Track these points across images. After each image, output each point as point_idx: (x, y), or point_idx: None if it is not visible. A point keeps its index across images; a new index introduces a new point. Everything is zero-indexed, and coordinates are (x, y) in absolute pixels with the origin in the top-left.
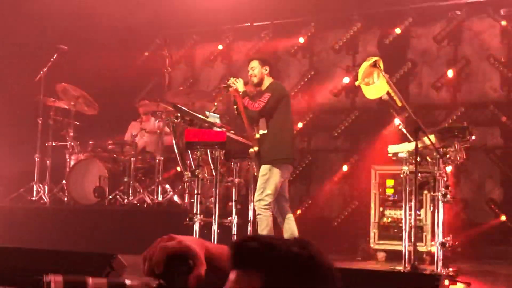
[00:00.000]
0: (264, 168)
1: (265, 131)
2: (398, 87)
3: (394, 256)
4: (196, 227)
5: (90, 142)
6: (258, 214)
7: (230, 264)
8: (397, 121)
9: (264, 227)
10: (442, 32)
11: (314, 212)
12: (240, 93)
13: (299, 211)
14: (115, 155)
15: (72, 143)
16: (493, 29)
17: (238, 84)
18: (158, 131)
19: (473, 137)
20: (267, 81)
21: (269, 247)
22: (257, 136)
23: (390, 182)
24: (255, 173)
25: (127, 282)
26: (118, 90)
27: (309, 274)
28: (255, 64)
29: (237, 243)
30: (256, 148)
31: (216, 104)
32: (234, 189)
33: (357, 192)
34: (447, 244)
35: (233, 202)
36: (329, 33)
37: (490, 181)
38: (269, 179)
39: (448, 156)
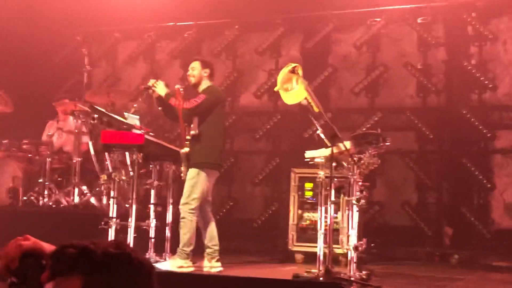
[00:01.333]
0: (192, 171)
1: (196, 132)
2: (319, 91)
3: (312, 258)
4: (111, 231)
5: (4, 141)
6: (183, 218)
7: (50, 274)
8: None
9: (187, 231)
10: (362, 38)
11: (235, 213)
12: (163, 96)
13: (220, 213)
14: (30, 155)
15: None
16: (410, 36)
17: (158, 88)
18: (76, 131)
19: (387, 143)
20: (205, 83)
21: (86, 251)
22: (188, 137)
23: (309, 185)
24: (182, 175)
25: None
26: (36, 88)
27: (126, 270)
28: (195, 64)
29: (54, 251)
30: (187, 149)
31: (135, 105)
32: (153, 192)
33: (277, 194)
34: (360, 248)
35: (151, 205)
36: (253, 36)
37: (405, 184)
38: (196, 183)
39: (362, 162)
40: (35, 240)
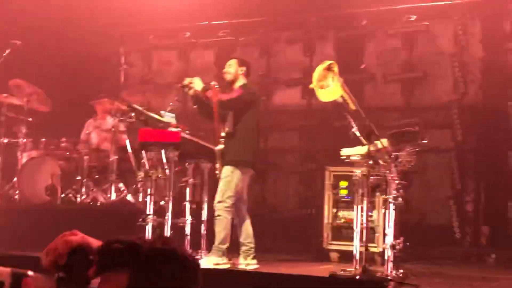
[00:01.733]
0: (227, 169)
1: (231, 130)
2: (354, 89)
3: (347, 256)
4: (148, 228)
5: (43, 140)
6: (218, 216)
7: (97, 268)
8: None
9: (222, 229)
10: (397, 35)
11: (270, 212)
12: (200, 91)
13: (254, 211)
14: (68, 153)
15: (25, 140)
16: (446, 32)
17: (196, 84)
18: (113, 129)
19: (425, 141)
20: (241, 81)
21: (133, 246)
22: (223, 134)
23: (344, 183)
24: (216, 172)
25: (30, 273)
26: (73, 87)
27: (172, 265)
28: (232, 62)
29: (102, 246)
30: (221, 146)
31: (171, 103)
32: (188, 190)
33: (311, 192)
34: (397, 246)
35: (187, 202)
36: (287, 34)
37: (442, 183)
38: (231, 181)
39: (399, 160)
40: (82, 235)
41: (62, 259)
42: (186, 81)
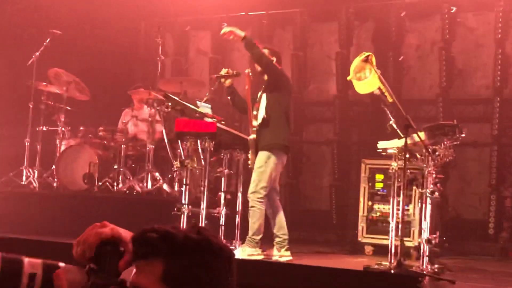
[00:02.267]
0: (261, 156)
1: (265, 116)
2: (391, 81)
3: (381, 250)
4: (183, 217)
5: (81, 128)
6: (252, 207)
7: (133, 256)
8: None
9: (256, 220)
10: (436, 27)
11: (304, 203)
12: (242, 38)
13: (289, 203)
14: (105, 142)
15: (63, 129)
16: (486, 25)
17: (237, 31)
18: (150, 119)
19: (463, 135)
20: None
21: (168, 235)
22: (255, 123)
23: (379, 177)
24: (249, 162)
25: (61, 264)
26: (111, 77)
27: (207, 255)
28: (264, 51)
29: (137, 235)
30: (254, 136)
31: (207, 94)
32: (223, 180)
33: (346, 185)
34: (433, 241)
35: (222, 193)
36: (324, 25)
37: (480, 177)
38: (264, 172)
39: (437, 153)
40: (113, 227)
41: (91, 251)
42: (223, 71)
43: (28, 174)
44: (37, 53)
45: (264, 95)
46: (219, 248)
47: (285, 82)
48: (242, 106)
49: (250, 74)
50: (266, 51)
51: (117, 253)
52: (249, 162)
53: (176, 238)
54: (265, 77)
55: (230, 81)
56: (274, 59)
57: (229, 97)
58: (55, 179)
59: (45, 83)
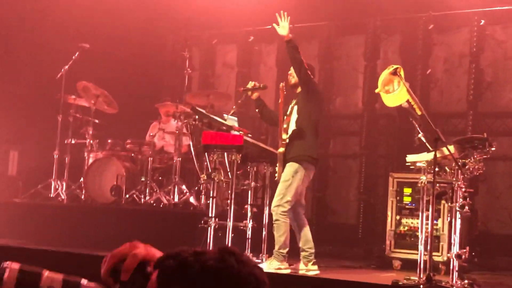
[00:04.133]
0: (288, 171)
1: (296, 128)
2: (419, 94)
3: (409, 264)
4: (210, 230)
5: (109, 141)
6: (276, 220)
7: (155, 283)
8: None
9: (282, 234)
10: (464, 39)
11: (330, 217)
12: (287, 38)
13: (315, 217)
14: (133, 155)
15: (91, 141)
16: None
17: (287, 30)
18: (177, 132)
19: (493, 148)
20: None
21: (184, 264)
22: (285, 136)
23: (408, 190)
24: (276, 175)
25: (83, 282)
26: (138, 90)
27: (227, 284)
28: None
29: (158, 260)
30: (283, 149)
31: (234, 107)
32: (250, 193)
33: (374, 199)
34: (463, 256)
35: (249, 206)
36: (350, 38)
37: (509, 191)
38: (290, 185)
39: (467, 167)
40: (145, 246)
41: (127, 275)
42: (249, 84)
43: (57, 186)
44: (66, 67)
45: (295, 108)
46: (240, 279)
47: (318, 95)
48: (270, 118)
49: (284, 88)
50: None
51: (144, 274)
52: (276, 175)
53: (192, 268)
54: (298, 89)
55: (257, 94)
56: (309, 72)
57: (257, 110)
58: (83, 192)
59: (74, 96)
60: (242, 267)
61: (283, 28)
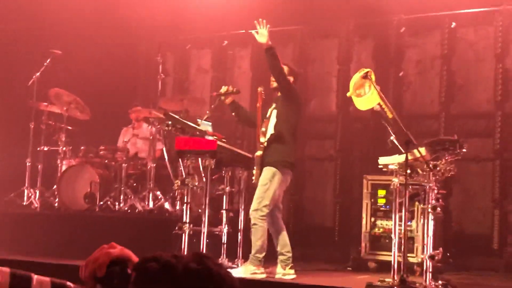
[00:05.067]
0: (266, 173)
1: (274, 132)
2: (392, 96)
3: (385, 266)
4: (185, 236)
5: (82, 148)
6: (254, 224)
7: (134, 285)
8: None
9: (259, 238)
10: (436, 42)
11: (306, 220)
12: (267, 45)
13: (291, 220)
14: (106, 161)
15: (64, 148)
16: (486, 40)
17: (266, 38)
18: (151, 137)
19: (464, 150)
20: None
21: (167, 266)
22: (263, 140)
23: (382, 192)
24: (253, 178)
25: (69, 284)
26: (111, 96)
27: (206, 286)
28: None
29: (138, 264)
30: (260, 152)
31: (208, 112)
32: (225, 198)
33: (349, 201)
34: (436, 257)
35: (224, 211)
36: (323, 42)
37: (483, 192)
38: (268, 190)
39: (438, 168)
40: (121, 248)
41: (102, 271)
42: (223, 89)
43: (30, 194)
44: (38, 74)
45: (274, 112)
46: (221, 279)
47: (297, 101)
48: (247, 119)
49: (263, 92)
50: (285, 68)
51: (125, 275)
52: (253, 178)
53: (175, 269)
54: (278, 94)
55: (231, 98)
56: (292, 78)
57: (233, 113)
58: (56, 199)
59: (46, 103)
60: (219, 268)
61: (262, 35)
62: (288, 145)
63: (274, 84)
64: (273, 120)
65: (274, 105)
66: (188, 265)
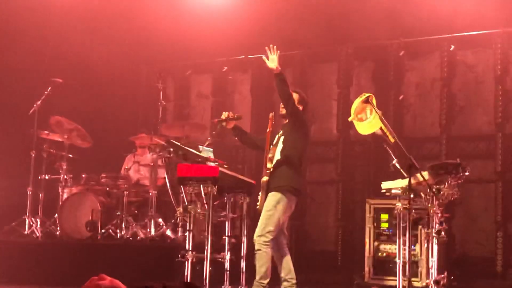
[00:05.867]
0: (271, 198)
1: (279, 158)
2: (393, 120)
3: None
4: (188, 264)
5: (83, 175)
6: (258, 250)
7: None
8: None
9: (263, 264)
10: (435, 65)
11: (309, 245)
12: (276, 71)
13: (294, 244)
14: (108, 189)
15: (65, 176)
16: (486, 62)
17: (275, 63)
18: (152, 164)
19: (467, 173)
20: None
21: None
22: (269, 166)
23: (384, 216)
24: (258, 203)
25: None
26: (112, 123)
27: None
28: (294, 96)
29: None
30: (266, 178)
31: (209, 138)
32: (227, 224)
33: (351, 225)
34: (441, 282)
35: (226, 237)
36: (323, 66)
37: (486, 214)
38: (273, 216)
39: (441, 192)
40: (111, 279)
41: None
42: (224, 115)
43: (31, 223)
44: (39, 102)
45: (282, 138)
46: None
47: (304, 127)
48: (252, 143)
49: (273, 117)
50: (296, 96)
51: None
52: (258, 204)
53: None
54: (286, 120)
55: (233, 123)
56: (301, 107)
57: (236, 138)
58: (58, 228)
59: (47, 132)
60: None
61: (272, 61)
62: (294, 171)
63: (283, 111)
64: (280, 146)
65: (281, 132)
66: None
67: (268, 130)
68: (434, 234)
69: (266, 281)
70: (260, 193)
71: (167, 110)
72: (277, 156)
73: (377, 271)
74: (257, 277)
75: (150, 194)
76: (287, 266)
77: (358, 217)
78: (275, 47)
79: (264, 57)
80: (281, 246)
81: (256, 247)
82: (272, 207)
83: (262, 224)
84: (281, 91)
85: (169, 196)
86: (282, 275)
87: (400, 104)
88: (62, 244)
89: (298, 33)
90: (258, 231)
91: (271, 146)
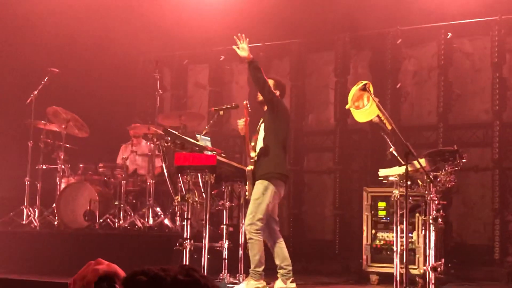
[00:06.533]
0: (259, 187)
1: (263, 146)
2: (390, 108)
3: (387, 279)
4: (186, 252)
5: (81, 165)
6: (250, 239)
7: None
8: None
9: (256, 252)
10: (432, 53)
11: (307, 234)
12: (248, 58)
13: (292, 233)
14: (106, 178)
15: (63, 166)
16: (483, 50)
17: (247, 51)
18: (149, 153)
19: (464, 160)
20: None
21: (156, 278)
22: (253, 154)
23: (382, 204)
24: (246, 193)
25: None
26: (109, 113)
27: None
28: (269, 82)
29: (126, 278)
30: (251, 167)
31: (207, 127)
32: (225, 213)
33: (349, 213)
34: (439, 268)
35: (224, 226)
36: (320, 54)
37: (483, 202)
38: (261, 203)
39: (438, 179)
40: (108, 264)
41: (90, 287)
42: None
43: (29, 213)
44: (36, 92)
45: (262, 126)
46: None
47: (283, 112)
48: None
49: (248, 105)
50: (271, 82)
51: None
52: (246, 193)
53: (164, 281)
54: (265, 107)
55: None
56: (278, 92)
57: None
58: (56, 218)
59: (44, 122)
60: (206, 280)
61: (243, 49)
62: (278, 158)
63: (260, 98)
64: (261, 134)
65: (262, 119)
66: (176, 277)
67: (245, 118)
68: (431, 221)
69: (261, 269)
70: (247, 183)
71: (164, 100)
72: (260, 144)
73: (375, 259)
74: (252, 266)
75: (148, 183)
76: (282, 253)
77: (356, 206)
78: (243, 35)
79: (234, 47)
80: (273, 232)
81: (248, 236)
82: (260, 195)
83: (252, 212)
84: (255, 78)
85: (167, 185)
86: (277, 262)
87: (397, 93)
88: (60, 234)
89: (295, 22)
90: (248, 220)
91: (254, 134)
